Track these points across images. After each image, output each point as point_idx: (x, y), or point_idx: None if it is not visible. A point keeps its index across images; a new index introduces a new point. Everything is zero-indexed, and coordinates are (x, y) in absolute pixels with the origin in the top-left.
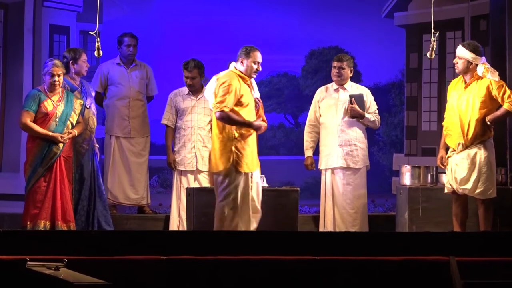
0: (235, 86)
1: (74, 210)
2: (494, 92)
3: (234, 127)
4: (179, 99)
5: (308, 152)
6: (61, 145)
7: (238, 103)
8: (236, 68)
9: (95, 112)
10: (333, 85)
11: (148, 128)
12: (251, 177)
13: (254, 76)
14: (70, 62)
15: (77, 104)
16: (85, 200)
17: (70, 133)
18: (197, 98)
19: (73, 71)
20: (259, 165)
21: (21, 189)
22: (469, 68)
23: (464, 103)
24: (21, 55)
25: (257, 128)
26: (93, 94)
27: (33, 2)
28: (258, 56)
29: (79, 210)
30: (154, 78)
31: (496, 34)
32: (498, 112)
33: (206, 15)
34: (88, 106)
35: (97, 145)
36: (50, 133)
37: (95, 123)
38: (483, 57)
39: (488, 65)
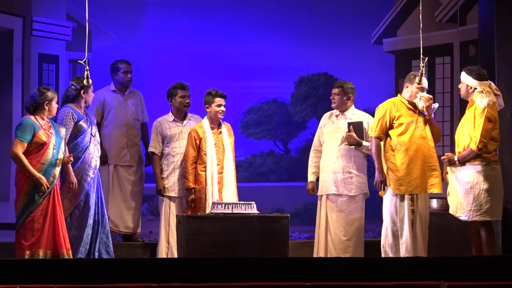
0: (385, 111)
1: (79, 237)
2: (477, 120)
3: (389, 151)
4: (165, 126)
5: (311, 177)
6: (57, 172)
7: (393, 126)
8: (400, 94)
9: (99, 141)
10: (336, 111)
11: (142, 156)
12: (412, 200)
13: (421, 102)
14: (82, 91)
15: (63, 132)
16: (89, 228)
17: (70, 157)
18: (183, 125)
19: (83, 100)
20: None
21: (10, 218)
22: (468, 92)
23: (463, 126)
24: (11, 84)
25: None
26: (95, 121)
27: (22, 31)
28: (422, 82)
29: (84, 238)
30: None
31: (485, 59)
32: (465, 152)
33: (195, 43)
34: (93, 135)
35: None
36: (38, 175)
37: (100, 152)
38: (485, 82)
39: (483, 90)
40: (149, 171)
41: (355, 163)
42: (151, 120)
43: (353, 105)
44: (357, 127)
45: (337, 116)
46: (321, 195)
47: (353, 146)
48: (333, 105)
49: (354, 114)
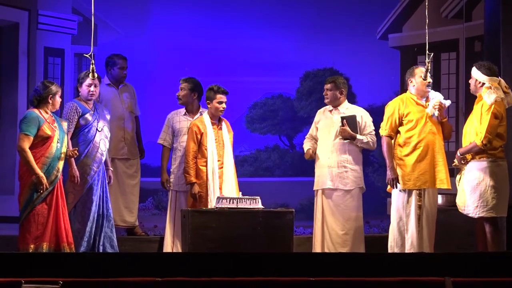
0: (393, 109)
1: (82, 231)
2: (483, 116)
3: (397, 146)
4: (176, 120)
5: (307, 146)
6: (60, 166)
7: (403, 122)
8: (409, 91)
9: (108, 135)
10: (329, 107)
11: (137, 149)
12: (420, 195)
13: (428, 90)
14: (79, 86)
15: (65, 126)
16: (93, 222)
17: (75, 150)
18: (193, 119)
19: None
20: (432, 183)
21: (15, 211)
22: (477, 87)
23: (471, 122)
24: (16, 77)
25: None
26: (108, 117)
27: (27, 25)
28: (423, 71)
29: (87, 232)
30: (147, 101)
31: (491, 55)
32: (469, 146)
33: (200, 37)
34: (100, 129)
35: (111, 169)
36: (40, 174)
37: (107, 146)
38: (494, 78)
39: (491, 85)
40: (153, 164)
41: (350, 157)
42: (156, 114)
43: (346, 100)
44: (350, 121)
45: (330, 111)
46: (317, 190)
47: (348, 140)
48: (326, 101)
49: (348, 108)
